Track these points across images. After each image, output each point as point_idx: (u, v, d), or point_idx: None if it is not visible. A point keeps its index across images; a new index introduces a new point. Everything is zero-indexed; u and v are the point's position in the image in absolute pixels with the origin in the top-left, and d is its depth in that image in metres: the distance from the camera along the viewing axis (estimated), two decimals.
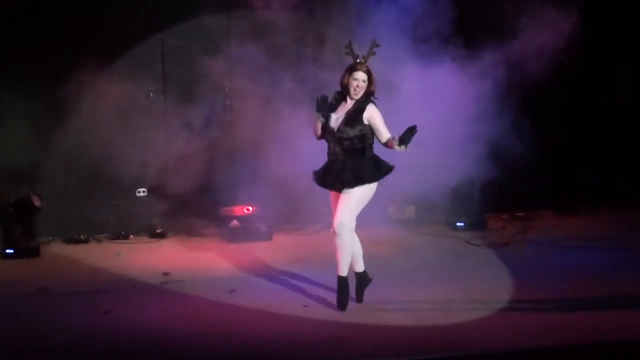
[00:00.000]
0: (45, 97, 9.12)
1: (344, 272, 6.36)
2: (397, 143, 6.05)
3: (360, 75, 6.26)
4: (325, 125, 6.36)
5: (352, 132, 6.27)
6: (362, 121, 6.27)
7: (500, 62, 8.87)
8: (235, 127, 9.65)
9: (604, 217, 9.85)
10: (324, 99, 6.28)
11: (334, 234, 6.30)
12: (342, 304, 6.36)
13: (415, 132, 6.01)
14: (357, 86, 6.26)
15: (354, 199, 6.27)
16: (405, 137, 6.02)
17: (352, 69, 6.29)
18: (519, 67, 8.91)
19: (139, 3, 9.35)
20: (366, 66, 6.29)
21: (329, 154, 6.40)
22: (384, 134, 6.26)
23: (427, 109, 8.42)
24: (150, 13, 9.40)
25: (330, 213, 6.51)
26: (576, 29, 8.86)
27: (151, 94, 9.56)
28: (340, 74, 6.44)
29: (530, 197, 9.96)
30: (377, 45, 6.38)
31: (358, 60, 6.29)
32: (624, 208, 9.92)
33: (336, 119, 6.32)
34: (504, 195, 9.54)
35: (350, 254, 6.36)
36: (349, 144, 6.28)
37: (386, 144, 6.24)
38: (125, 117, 9.18)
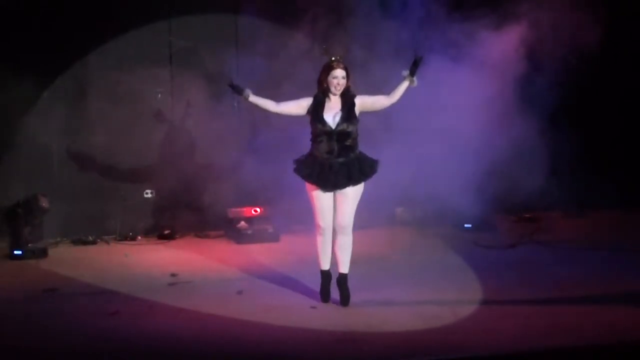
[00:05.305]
0: (52, 97, 9.15)
1: (347, 269, 6.51)
2: (408, 76, 6.25)
3: (340, 73, 6.40)
4: (316, 126, 6.40)
5: (351, 127, 6.37)
6: (356, 116, 6.41)
7: (514, 64, 8.87)
8: (244, 129, 9.65)
9: (612, 219, 9.83)
10: (230, 85, 6.51)
11: (342, 234, 6.44)
12: (347, 300, 6.46)
13: (420, 62, 6.25)
14: (338, 83, 6.39)
15: (354, 199, 6.41)
16: (413, 70, 6.27)
17: (330, 68, 6.41)
18: (531, 70, 8.92)
19: (146, 5, 9.39)
20: (343, 63, 6.44)
21: (326, 152, 6.38)
22: (380, 96, 6.46)
23: (436, 107, 8.43)
24: (158, 15, 9.44)
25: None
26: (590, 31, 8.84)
27: (159, 95, 9.58)
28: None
29: (539, 198, 9.93)
30: (344, 55, 6.58)
31: (333, 59, 6.43)
32: (632, 210, 9.88)
33: (332, 116, 6.38)
34: (513, 197, 9.51)
35: None
36: (350, 140, 6.38)
37: (390, 96, 6.38)
38: (132, 118, 9.20)
